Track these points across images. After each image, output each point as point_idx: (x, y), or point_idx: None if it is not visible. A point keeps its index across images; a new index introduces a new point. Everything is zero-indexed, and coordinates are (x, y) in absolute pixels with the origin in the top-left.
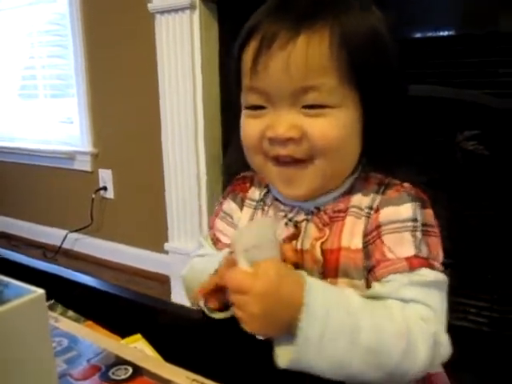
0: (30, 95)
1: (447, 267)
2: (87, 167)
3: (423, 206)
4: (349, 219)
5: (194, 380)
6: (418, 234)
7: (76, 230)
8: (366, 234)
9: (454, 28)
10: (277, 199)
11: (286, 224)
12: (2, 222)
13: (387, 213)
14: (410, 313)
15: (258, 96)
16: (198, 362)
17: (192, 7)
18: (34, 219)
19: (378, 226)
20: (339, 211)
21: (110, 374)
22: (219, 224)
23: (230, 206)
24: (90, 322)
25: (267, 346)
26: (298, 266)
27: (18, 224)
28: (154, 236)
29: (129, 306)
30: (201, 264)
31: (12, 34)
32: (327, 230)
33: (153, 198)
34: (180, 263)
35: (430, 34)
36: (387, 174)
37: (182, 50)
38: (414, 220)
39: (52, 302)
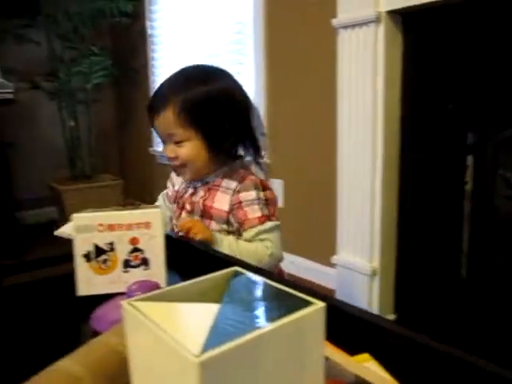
0: None
1: None
2: (260, 177)
3: (263, 190)
4: (220, 192)
5: None
6: (261, 205)
7: None
8: (231, 204)
9: None
10: None
11: (191, 186)
12: None
13: (244, 195)
14: (261, 245)
15: (160, 136)
16: None
17: (377, 20)
18: None
19: (240, 202)
20: (215, 185)
21: None
22: (168, 183)
23: (173, 174)
24: None
25: None
26: (191, 210)
27: None
28: (322, 248)
29: (354, 323)
30: None
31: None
32: (207, 194)
33: (322, 210)
34: (347, 278)
35: None
36: (245, 166)
37: (363, 64)
38: (258, 199)
39: None
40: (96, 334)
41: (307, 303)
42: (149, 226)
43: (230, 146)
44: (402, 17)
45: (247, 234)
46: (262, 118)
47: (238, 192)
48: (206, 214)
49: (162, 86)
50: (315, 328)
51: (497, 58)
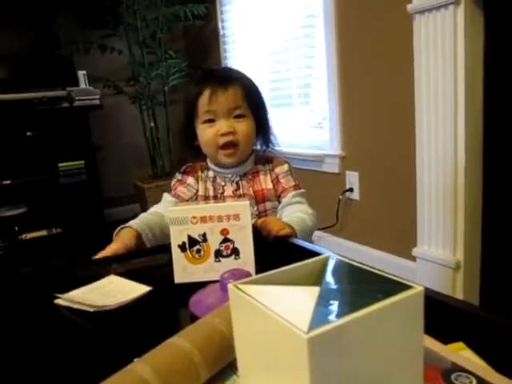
0: (285, 103)
1: None
2: (335, 169)
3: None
4: (261, 175)
5: None
6: (293, 175)
7: (321, 229)
8: (271, 181)
9: None
10: (218, 174)
11: (231, 183)
12: None
13: (279, 169)
14: (304, 206)
15: (211, 114)
16: None
17: (456, 2)
18: None
19: (277, 175)
20: (255, 173)
21: (452, 378)
22: (182, 189)
23: (191, 180)
24: None
25: None
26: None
27: None
28: (401, 240)
29: (449, 312)
30: (145, 216)
31: (267, 43)
32: (252, 182)
33: (400, 201)
34: (428, 271)
35: None
36: (266, 151)
37: (442, 48)
38: (289, 170)
39: None
40: (194, 317)
41: (406, 287)
42: (238, 217)
43: (264, 134)
44: None
45: (285, 200)
46: (336, 112)
47: (273, 169)
48: (259, 198)
49: (219, 73)
50: (415, 311)
51: None
